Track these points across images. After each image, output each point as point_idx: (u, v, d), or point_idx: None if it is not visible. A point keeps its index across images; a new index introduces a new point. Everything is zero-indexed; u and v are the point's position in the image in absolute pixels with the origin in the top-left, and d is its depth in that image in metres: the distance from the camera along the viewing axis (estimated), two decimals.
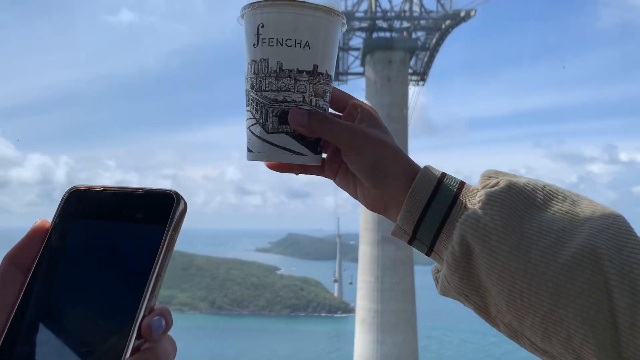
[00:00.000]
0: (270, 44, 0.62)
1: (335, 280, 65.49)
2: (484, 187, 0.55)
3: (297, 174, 0.70)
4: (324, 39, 0.64)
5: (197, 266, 62.09)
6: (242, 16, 0.65)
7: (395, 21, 18.70)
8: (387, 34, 18.83)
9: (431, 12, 18.41)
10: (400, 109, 18.24)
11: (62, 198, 0.43)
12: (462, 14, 17.42)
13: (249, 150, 0.67)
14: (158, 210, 0.40)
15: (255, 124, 0.65)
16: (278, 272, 71.50)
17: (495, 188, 0.53)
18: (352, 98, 0.70)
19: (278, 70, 0.62)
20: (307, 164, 0.67)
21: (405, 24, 18.75)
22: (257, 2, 0.63)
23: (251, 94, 0.65)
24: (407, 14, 18.55)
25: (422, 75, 21.30)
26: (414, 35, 19.30)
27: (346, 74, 20.95)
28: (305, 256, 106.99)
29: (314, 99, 0.64)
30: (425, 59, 20.78)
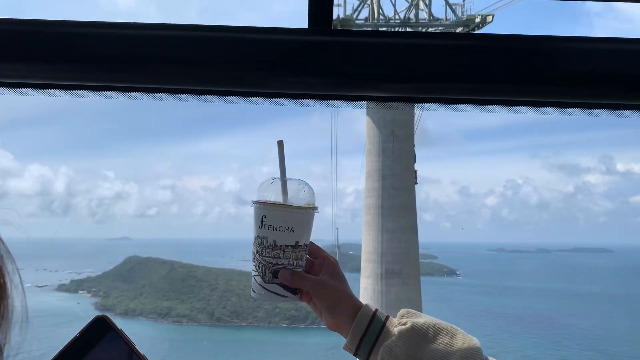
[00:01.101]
0: (270, 228, 0.98)
1: None
2: (399, 323, 0.87)
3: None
4: (302, 225, 0.99)
5: (195, 277, 61.56)
6: (253, 204, 1.01)
7: (400, 29, 16.47)
8: None
9: (439, 19, 16.51)
10: (405, 126, 17.25)
11: None
12: (478, 19, 15.64)
13: (253, 291, 1.03)
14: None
15: (257, 275, 1.01)
16: None
17: (404, 327, 0.85)
18: (322, 251, 1.05)
19: (273, 244, 0.98)
20: (290, 302, 1.01)
21: None
22: (264, 202, 0.99)
23: (256, 256, 1.01)
24: (413, 21, 16.61)
25: None
26: None
27: None
28: None
29: (295, 262, 0.99)
30: None
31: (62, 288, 73.61)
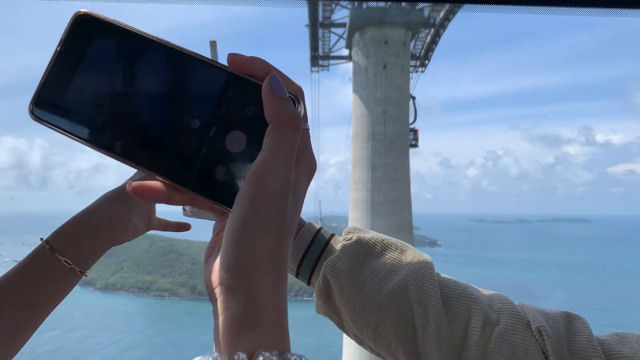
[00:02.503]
0: None
1: None
2: (344, 239, 0.77)
3: None
4: None
5: (177, 251, 61.29)
6: None
7: None
8: (383, 4, 14.04)
9: None
10: (399, 106, 14.32)
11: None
12: None
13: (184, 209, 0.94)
14: None
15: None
16: None
17: (348, 242, 0.75)
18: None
19: None
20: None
21: None
22: None
23: None
24: None
25: (422, 60, 16.74)
26: (418, 6, 14.58)
27: (327, 57, 16.97)
28: None
29: None
30: (428, 38, 16.11)
31: None
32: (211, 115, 0.45)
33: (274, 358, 0.39)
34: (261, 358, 0.38)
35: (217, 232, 0.52)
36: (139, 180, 0.47)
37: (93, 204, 0.85)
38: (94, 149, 0.46)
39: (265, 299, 0.41)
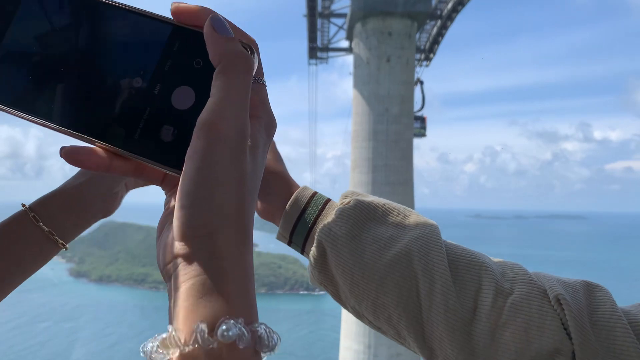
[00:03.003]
0: None
1: None
2: (341, 204, 0.71)
3: None
4: None
5: None
6: None
7: None
8: None
9: None
10: (403, 102, 13.06)
11: None
12: None
13: None
14: None
15: None
16: (256, 249, 70.76)
17: (346, 205, 0.69)
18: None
19: None
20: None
21: None
22: None
23: None
24: None
25: (426, 54, 15.70)
26: None
27: (326, 49, 16.02)
28: None
29: None
30: (434, 30, 15.05)
31: None
32: (155, 71, 0.41)
33: (239, 326, 0.34)
34: (224, 327, 0.33)
35: (170, 206, 0.44)
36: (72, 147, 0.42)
37: (81, 176, 0.83)
38: (22, 116, 0.42)
39: (228, 264, 0.36)
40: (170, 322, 0.35)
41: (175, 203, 0.37)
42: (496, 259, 0.67)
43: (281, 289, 57.36)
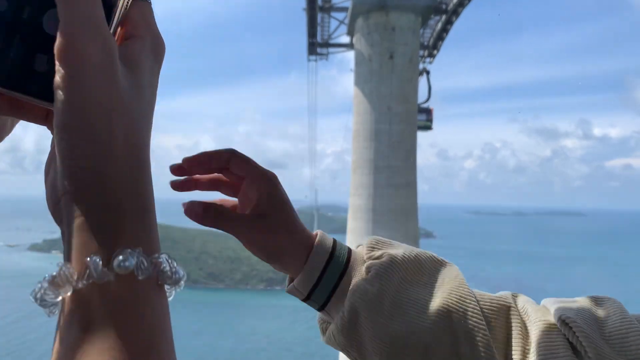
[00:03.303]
0: None
1: None
2: (369, 257, 0.65)
3: None
4: None
5: (172, 239, 61.00)
6: None
7: None
8: None
9: None
10: (407, 102, 12.44)
11: None
12: None
13: None
14: None
15: None
16: None
17: (379, 261, 0.64)
18: (253, 164, 0.68)
19: None
20: None
21: None
22: None
23: None
24: None
25: (430, 50, 15.09)
26: None
27: (327, 45, 15.38)
28: None
29: None
30: (439, 26, 14.30)
31: (35, 248, 73.50)
32: None
33: (138, 255, 0.32)
34: (120, 257, 0.31)
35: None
36: None
37: None
38: None
39: (122, 196, 0.33)
40: (64, 256, 0.33)
41: (55, 138, 0.34)
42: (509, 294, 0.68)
43: (280, 285, 57.62)
